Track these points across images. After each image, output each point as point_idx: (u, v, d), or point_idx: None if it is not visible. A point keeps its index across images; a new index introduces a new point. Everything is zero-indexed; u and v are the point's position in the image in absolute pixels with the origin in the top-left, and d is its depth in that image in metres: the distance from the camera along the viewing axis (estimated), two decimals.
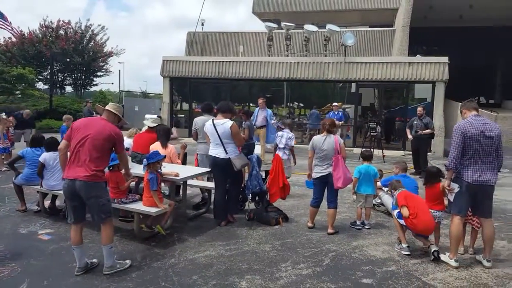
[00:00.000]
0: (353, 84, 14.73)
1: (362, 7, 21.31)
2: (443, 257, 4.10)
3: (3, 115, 9.04)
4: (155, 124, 5.87)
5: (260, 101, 10.68)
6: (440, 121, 12.84)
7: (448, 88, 13.63)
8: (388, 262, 4.06)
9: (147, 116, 6.20)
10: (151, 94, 34.94)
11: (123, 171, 4.34)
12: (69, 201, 3.60)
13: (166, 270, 3.73)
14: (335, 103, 12.44)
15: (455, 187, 3.92)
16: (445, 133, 12.78)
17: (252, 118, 9.49)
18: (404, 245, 4.28)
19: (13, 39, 26.46)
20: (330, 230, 4.92)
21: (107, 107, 3.83)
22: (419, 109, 9.61)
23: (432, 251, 4.09)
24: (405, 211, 4.16)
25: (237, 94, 17.23)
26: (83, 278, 3.54)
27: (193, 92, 17.35)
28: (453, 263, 3.94)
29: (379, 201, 5.94)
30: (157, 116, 6.15)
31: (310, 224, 5.08)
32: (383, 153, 11.26)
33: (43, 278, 3.52)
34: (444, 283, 3.60)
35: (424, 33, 18.51)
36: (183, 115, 18.19)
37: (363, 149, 5.70)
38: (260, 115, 10.31)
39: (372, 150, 10.29)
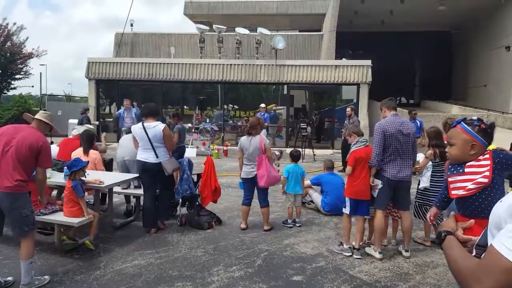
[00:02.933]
0: (285, 86, 15.15)
1: (291, 12, 22.03)
2: (368, 249, 4.33)
3: None
4: (78, 133, 5.48)
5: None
6: (365, 121, 13.71)
7: (372, 90, 14.63)
8: (317, 258, 4.18)
9: (71, 121, 5.76)
10: (76, 97, 32.71)
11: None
12: None
13: (91, 283, 3.48)
14: (262, 105, 12.71)
15: (379, 183, 4.14)
16: (369, 132, 13.67)
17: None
18: (346, 246, 4.29)
19: None
20: (265, 227, 5.00)
21: (37, 116, 3.56)
22: (348, 109, 10.11)
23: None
24: (349, 170, 4.22)
25: (169, 96, 16.82)
26: None
27: (122, 94, 16.54)
28: (377, 255, 4.17)
29: (309, 199, 6.13)
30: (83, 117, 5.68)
31: (243, 226, 5.08)
32: (313, 152, 11.69)
33: None
34: (369, 274, 3.80)
35: (349, 37, 19.66)
36: (111, 119, 17.27)
37: (292, 150, 5.83)
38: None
39: (303, 149, 10.71)
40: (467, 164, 2.11)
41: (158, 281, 3.56)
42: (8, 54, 26.15)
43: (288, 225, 5.24)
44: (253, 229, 5.08)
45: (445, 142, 4.38)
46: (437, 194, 3.41)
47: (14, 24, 26.95)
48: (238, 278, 3.66)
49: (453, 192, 2.17)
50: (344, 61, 15.13)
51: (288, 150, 9.71)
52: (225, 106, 16.12)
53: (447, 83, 23.21)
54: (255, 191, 5.08)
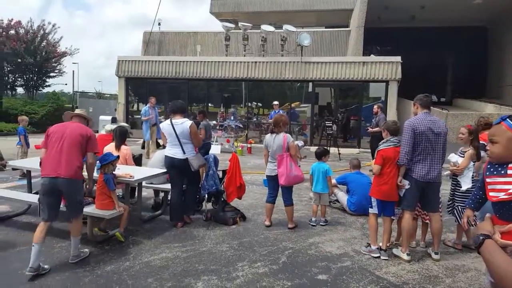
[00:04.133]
0: (310, 84, 15.02)
1: (318, 8, 21.79)
2: (395, 251, 4.23)
3: None
4: (108, 130, 5.68)
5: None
6: (394, 119, 13.39)
7: (401, 87, 14.28)
8: (343, 258, 4.14)
9: (101, 117, 5.96)
10: (106, 95, 33.67)
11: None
12: (46, 198, 3.65)
13: (120, 274, 3.59)
14: (275, 102, 12.50)
15: (406, 183, 4.04)
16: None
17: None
18: (374, 247, 4.20)
19: None
20: (290, 225, 5.00)
21: (76, 111, 4.12)
22: (375, 107, 10.01)
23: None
24: (377, 169, 4.09)
25: (194, 94, 17.03)
26: (32, 285, 3.33)
27: (150, 92, 16.90)
28: (405, 256, 4.07)
29: (334, 198, 6.06)
30: (112, 118, 5.92)
31: (267, 223, 5.09)
32: (338, 151, 11.55)
33: None
34: (396, 276, 3.72)
35: (378, 33, 19.25)
36: (139, 116, 17.69)
37: (317, 148, 5.77)
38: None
39: (328, 148, 10.59)
40: (510, 165, 1.97)
41: (184, 274, 3.63)
42: (43, 53, 27.26)
43: (312, 224, 5.21)
44: (277, 227, 5.08)
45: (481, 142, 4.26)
46: None
47: (50, 23, 28.08)
48: (263, 274, 3.67)
49: (492, 194, 2.04)
50: (372, 58, 14.84)
51: (313, 148, 9.65)
52: (249, 104, 16.17)
53: (481, 80, 22.24)
54: (280, 189, 5.07)
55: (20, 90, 30.27)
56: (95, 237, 4.34)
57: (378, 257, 4.13)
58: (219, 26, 21.49)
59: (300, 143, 7.33)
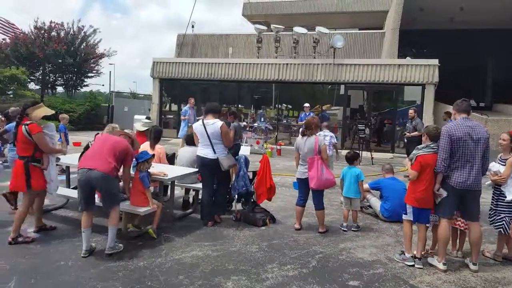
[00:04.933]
0: (342, 86, 14.80)
1: (351, 10, 21.46)
2: (430, 260, 4.09)
3: None
4: (145, 128, 5.82)
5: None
6: (435, 125, 12.94)
7: (438, 91, 13.80)
8: (375, 265, 4.03)
9: (136, 117, 6.14)
10: (140, 95, 34.67)
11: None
12: (81, 190, 3.91)
13: (153, 270, 3.67)
14: (306, 104, 12.33)
15: (444, 193, 3.88)
16: None
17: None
18: (408, 255, 4.07)
19: (7, 40, 26.05)
20: (320, 229, 4.93)
21: (125, 131, 4.57)
22: (410, 111, 9.73)
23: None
24: (413, 175, 3.95)
25: (225, 95, 17.20)
26: (70, 277, 3.47)
27: (182, 93, 17.25)
28: (441, 266, 3.92)
29: (367, 203, 5.93)
30: (146, 117, 6.10)
31: (297, 226, 5.04)
32: (371, 155, 11.30)
33: (30, 276, 3.45)
34: (431, 286, 3.58)
35: (413, 35, 18.71)
36: (172, 116, 18.08)
37: (348, 151, 5.67)
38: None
39: (360, 152, 10.39)
40: None
41: (214, 272, 3.66)
42: (83, 54, 28.47)
43: (343, 229, 5.11)
44: (308, 230, 5.03)
45: None
46: None
47: (91, 26, 29.33)
48: (292, 277, 3.64)
49: None
50: (408, 60, 14.44)
51: (344, 152, 9.52)
52: (279, 106, 16.14)
53: None
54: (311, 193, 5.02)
55: (60, 89, 31.77)
56: (129, 232, 4.47)
57: (413, 265, 3.99)
58: (251, 28, 21.64)
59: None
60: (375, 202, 5.76)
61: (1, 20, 21.84)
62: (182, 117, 11.72)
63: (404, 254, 4.12)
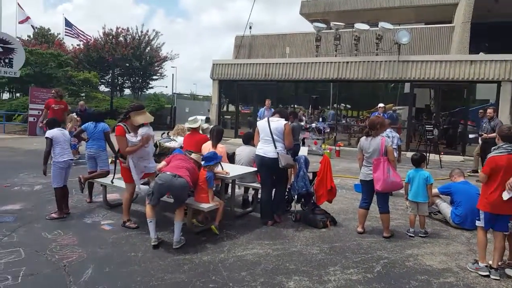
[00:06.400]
0: (407, 84, 14.08)
1: (417, 3, 20.30)
2: (508, 271, 3.76)
3: (74, 115, 9.77)
4: (195, 125, 6.05)
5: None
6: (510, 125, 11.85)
7: None
8: (445, 273, 3.78)
9: (197, 117, 6.38)
10: (200, 96, 35.94)
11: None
12: (158, 188, 4.22)
13: (216, 265, 3.77)
14: (380, 104, 11.83)
15: (506, 196, 3.55)
16: None
17: None
18: (482, 265, 3.79)
19: (81, 46, 28.57)
20: (385, 234, 4.74)
21: (193, 156, 4.74)
22: (489, 111, 9.02)
23: None
24: (483, 177, 3.75)
25: (282, 95, 17.19)
26: (140, 267, 3.68)
27: (240, 94, 17.58)
28: None
29: (436, 209, 5.57)
30: (206, 118, 6.31)
31: (360, 229, 4.88)
32: (440, 158, 10.61)
33: (105, 265, 3.71)
34: None
35: (487, 29, 17.24)
36: (229, 116, 18.50)
37: (413, 153, 5.37)
38: None
39: (427, 154, 9.80)
40: None
41: (276, 271, 3.67)
42: (148, 58, 30.22)
43: (410, 234, 4.85)
44: (371, 234, 4.85)
45: None
46: None
47: (154, 30, 31.07)
48: (356, 281, 3.53)
49: None
50: (481, 56, 13.32)
51: (409, 154, 9.04)
52: (337, 105, 15.77)
53: None
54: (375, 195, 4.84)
55: (127, 91, 34.02)
56: (193, 227, 4.66)
57: (488, 276, 3.68)
58: (308, 27, 21.42)
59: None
60: (445, 208, 5.40)
61: (74, 28, 23.84)
62: (258, 119, 11.72)
63: (478, 263, 3.83)
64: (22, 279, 3.35)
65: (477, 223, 3.86)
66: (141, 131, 4.63)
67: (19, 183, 6.99)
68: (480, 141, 9.24)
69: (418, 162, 5.07)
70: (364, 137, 4.85)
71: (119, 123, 4.67)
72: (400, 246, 4.48)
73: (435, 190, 5.39)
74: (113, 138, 5.29)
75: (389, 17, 18.61)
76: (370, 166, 4.69)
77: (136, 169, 4.67)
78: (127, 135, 4.62)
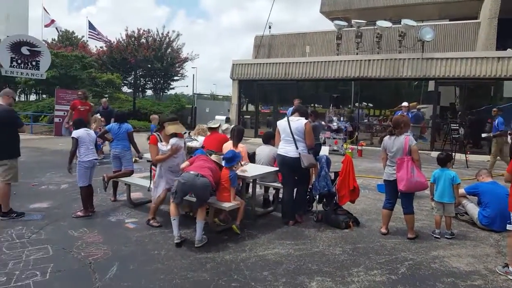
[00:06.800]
0: (431, 82, 13.74)
1: (440, 0, 19.79)
2: None
3: (98, 116, 10.01)
4: (214, 125, 6.11)
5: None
6: None
7: None
8: (473, 276, 3.67)
9: (217, 117, 6.47)
10: (219, 96, 36.17)
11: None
12: (181, 187, 4.28)
13: (238, 264, 3.79)
14: (404, 103, 11.58)
15: None
16: None
17: None
18: None
19: (104, 48, 29.24)
20: (409, 235, 4.63)
21: (213, 157, 4.69)
22: None
23: None
24: (508, 177, 3.67)
25: (302, 95, 17.07)
26: (163, 265, 3.73)
27: (259, 93, 17.58)
28: None
29: (463, 210, 5.41)
30: (226, 118, 6.36)
31: (383, 230, 4.79)
32: (466, 157, 10.31)
33: (129, 263, 3.78)
34: None
35: None
36: (249, 116, 18.53)
37: (439, 152, 5.22)
38: None
39: (453, 154, 9.54)
40: None
41: (298, 271, 3.65)
42: (169, 59, 30.62)
43: (435, 236, 4.73)
44: (395, 235, 4.75)
45: None
46: None
47: (174, 31, 31.45)
48: (380, 283, 3.47)
49: None
50: (509, 52, 12.85)
51: (434, 153, 8.80)
52: (358, 104, 15.53)
53: None
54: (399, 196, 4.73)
55: (149, 92, 34.56)
56: (215, 226, 4.69)
57: None
58: (329, 25, 21.21)
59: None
60: (473, 209, 5.23)
61: (96, 31, 24.41)
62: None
63: (508, 267, 3.69)
64: (50, 275, 3.45)
65: (508, 226, 3.72)
66: (171, 141, 4.81)
67: (46, 182, 7.22)
68: (510, 140, 8.94)
69: (444, 161, 4.94)
70: (388, 136, 4.76)
71: (154, 133, 4.97)
72: (425, 248, 4.38)
73: (461, 191, 5.24)
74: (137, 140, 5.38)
75: (411, 14, 18.18)
76: (393, 166, 4.60)
77: (163, 178, 4.80)
78: (159, 143, 4.83)
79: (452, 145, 10.49)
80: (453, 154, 9.62)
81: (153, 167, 5.11)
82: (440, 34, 17.02)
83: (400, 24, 14.48)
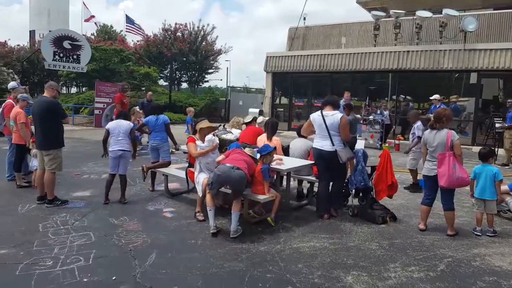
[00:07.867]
0: (473, 74, 13.10)
1: None
2: None
3: (137, 108, 10.41)
4: (248, 120, 6.22)
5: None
6: None
7: None
8: None
9: (250, 110, 6.56)
10: (252, 89, 36.24)
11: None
12: (216, 179, 4.37)
13: (273, 256, 3.83)
14: (435, 96, 11.11)
15: None
16: None
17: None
18: None
19: (141, 42, 30.01)
20: (449, 232, 4.51)
21: (246, 150, 4.86)
22: None
23: None
24: None
25: (336, 87, 16.78)
26: (200, 254, 3.84)
27: (293, 86, 17.45)
28: None
29: (506, 207, 5.17)
30: (260, 111, 6.41)
31: (422, 226, 4.68)
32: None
33: (167, 251, 3.91)
34: None
35: None
36: (282, 109, 18.46)
37: (481, 147, 5.00)
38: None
39: (496, 149, 9.10)
40: None
41: (333, 265, 3.65)
42: (203, 52, 30.97)
43: (476, 233, 4.56)
44: (434, 232, 4.63)
45: None
46: None
47: (208, 25, 31.72)
48: (418, 279, 3.41)
49: None
50: None
51: (475, 148, 8.44)
52: (396, 97, 15.06)
53: None
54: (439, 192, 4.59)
55: (184, 85, 35.17)
56: (250, 218, 4.76)
57: None
58: (366, 16, 20.61)
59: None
60: None
61: (135, 24, 25.05)
62: None
63: None
64: (93, 261, 3.63)
65: None
66: (208, 137, 4.95)
67: (87, 171, 7.58)
68: None
69: (486, 156, 4.73)
70: (429, 130, 4.62)
71: (191, 135, 5.26)
72: (466, 245, 4.24)
73: (505, 187, 5.02)
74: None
75: (453, 3, 17.30)
76: (434, 161, 4.47)
77: (203, 172, 4.91)
78: (196, 141, 4.99)
79: (494, 140, 9.99)
80: (496, 149, 9.20)
81: (189, 169, 5.30)
82: (484, 24, 16.06)
83: (441, 14, 13.84)
